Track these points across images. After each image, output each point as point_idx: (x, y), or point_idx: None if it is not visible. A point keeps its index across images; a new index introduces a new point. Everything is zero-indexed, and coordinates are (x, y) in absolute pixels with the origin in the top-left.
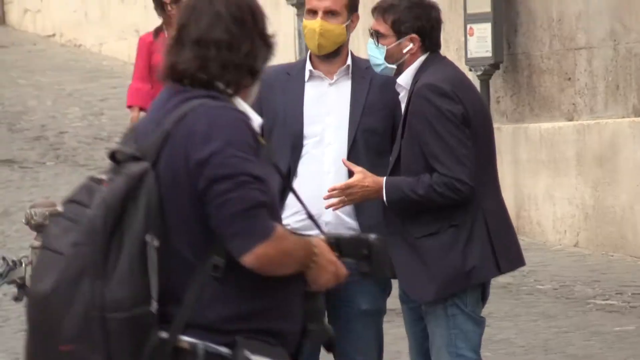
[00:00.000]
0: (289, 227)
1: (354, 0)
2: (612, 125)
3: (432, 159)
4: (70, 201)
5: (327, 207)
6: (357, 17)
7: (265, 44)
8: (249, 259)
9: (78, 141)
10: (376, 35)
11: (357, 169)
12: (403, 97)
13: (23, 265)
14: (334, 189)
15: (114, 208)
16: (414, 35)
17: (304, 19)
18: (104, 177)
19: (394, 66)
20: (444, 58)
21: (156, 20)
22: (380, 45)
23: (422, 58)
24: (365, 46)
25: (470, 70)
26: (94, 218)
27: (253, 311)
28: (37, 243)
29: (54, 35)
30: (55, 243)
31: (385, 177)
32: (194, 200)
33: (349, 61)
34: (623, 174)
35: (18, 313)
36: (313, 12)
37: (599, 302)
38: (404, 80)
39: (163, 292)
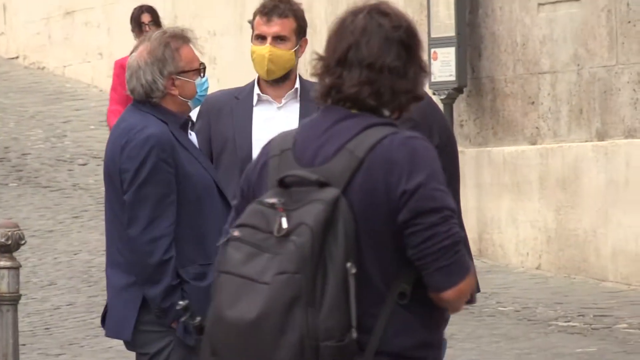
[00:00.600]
0: None
1: (302, 25)
2: (575, 149)
3: None
4: (244, 225)
5: None
6: (306, 42)
7: (423, 69)
8: (448, 294)
9: (41, 163)
10: None
11: None
12: None
13: None
14: None
15: (319, 235)
16: None
17: (252, 45)
18: (274, 201)
19: None
20: None
21: (119, 43)
22: None
23: None
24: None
25: (434, 94)
26: (301, 246)
27: (432, 341)
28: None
29: (17, 57)
30: (243, 269)
31: None
32: (391, 229)
33: (297, 84)
34: (585, 198)
35: None
36: (262, 38)
37: (561, 324)
38: None
39: (358, 320)
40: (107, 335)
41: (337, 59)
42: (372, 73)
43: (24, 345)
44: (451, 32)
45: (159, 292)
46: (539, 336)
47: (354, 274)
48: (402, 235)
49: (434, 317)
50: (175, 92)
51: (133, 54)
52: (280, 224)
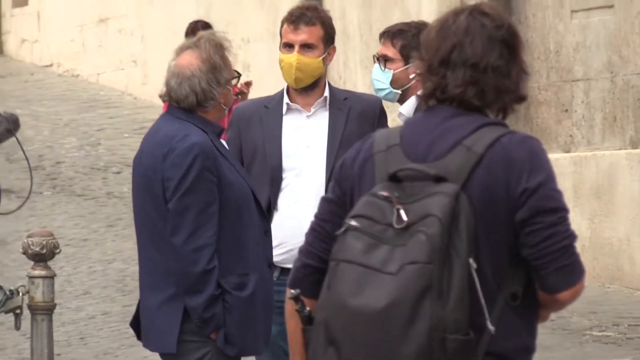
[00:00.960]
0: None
1: (330, 32)
2: (609, 157)
3: None
4: (360, 216)
5: None
6: (334, 49)
7: (524, 70)
8: (565, 295)
9: (75, 171)
10: (383, 59)
11: None
12: None
13: (20, 294)
14: None
15: (447, 226)
16: None
17: (280, 53)
18: (388, 194)
19: (399, 91)
20: None
21: (153, 50)
22: (386, 69)
23: None
24: (361, 79)
25: None
26: (432, 236)
27: (532, 346)
28: (34, 272)
29: (51, 65)
30: (365, 259)
31: None
32: (508, 227)
33: (327, 93)
34: (620, 206)
35: (15, 342)
36: (289, 46)
37: (595, 334)
38: (406, 109)
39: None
40: (150, 349)
41: (441, 59)
42: (477, 73)
43: (58, 355)
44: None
45: (201, 302)
46: (573, 346)
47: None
48: (518, 234)
49: (535, 322)
50: (222, 100)
51: (176, 61)
52: (399, 216)
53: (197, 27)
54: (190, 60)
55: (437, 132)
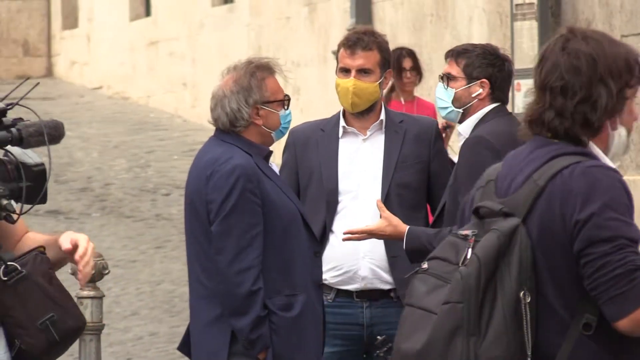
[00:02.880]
0: (326, 282)
1: (386, 57)
2: None
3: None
4: (435, 258)
5: (344, 239)
6: (390, 74)
7: (613, 95)
8: (623, 324)
9: (124, 193)
10: (447, 78)
11: (384, 214)
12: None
13: None
14: (351, 232)
15: (488, 265)
16: (484, 80)
17: (336, 77)
18: (468, 232)
19: (460, 110)
20: (509, 113)
21: (203, 73)
22: (449, 88)
23: (486, 109)
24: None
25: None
26: (467, 276)
27: None
28: (83, 293)
29: (101, 87)
30: (425, 301)
31: (408, 227)
32: (569, 259)
33: (382, 116)
34: None
35: None
36: (346, 71)
37: None
38: (464, 129)
39: (535, 348)
40: None
41: (538, 87)
42: (566, 100)
43: None
44: (535, 64)
45: (247, 323)
46: None
47: (530, 303)
48: (579, 265)
49: (625, 345)
50: (260, 122)
51: (218, 83)
52: (466, 256)
53: (402, 55)
54: (226, 82)
55: (521, 165)
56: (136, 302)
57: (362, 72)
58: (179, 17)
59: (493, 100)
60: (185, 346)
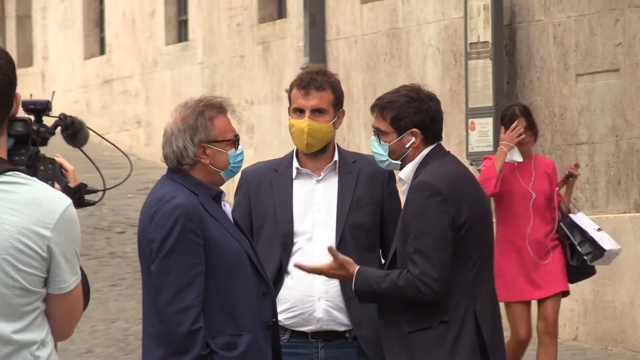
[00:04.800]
0: (280, 323)
1: (339, 96)
2: (613, 221)
3: (410, 254)
4: None
5: (295, 265)
6: (343, 113)
7: None
8: None
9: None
10: (377, 132)
11: (337, 261)
12: (405, 190)
13: None
14: (300, 266)
15: None
16: (414, 129)
17: (290, 118)
18: None
19: (398, 162)
20: (447, 153)
21: (157, 111)
22: (382, 142)
23: (424, 152)
24: (365, 142)
25: (472, 164)
26: None
27: None
28: None
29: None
30: None
31: (358, 268)
32: None
33: (336, 157)
34: (623, 270)
35: None
36: (300, 111)
37: None
38: (405, 174)
39: None
40: None
41: None
42: None
43: None
44: (489, 102)
45: None
46: None
47: None
48: None
49: None
50: (206, 161)
51: (169, 121)
52: None
53: (514, 114)
54: (175, 119)
55: None
56: (90, 339)
57: (317, 112)
58: (133, 55)
59: (427, 143)
60: None
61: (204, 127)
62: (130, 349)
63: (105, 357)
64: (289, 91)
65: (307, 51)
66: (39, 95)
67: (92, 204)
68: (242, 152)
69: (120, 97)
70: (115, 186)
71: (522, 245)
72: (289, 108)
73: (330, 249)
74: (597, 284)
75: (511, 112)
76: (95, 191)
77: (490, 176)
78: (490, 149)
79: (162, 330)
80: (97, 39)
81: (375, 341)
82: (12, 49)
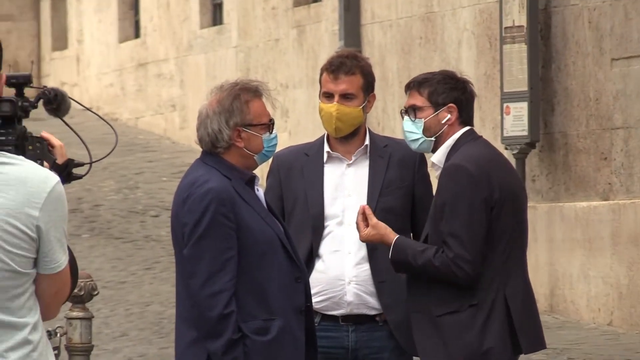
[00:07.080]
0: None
1: (370, 80)
2: None
3: (444, 236)
4: None
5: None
6: (374, 97)
7: None
8: None
9: (113, 214)
10: (412, 110)
11: (372, 222)
12: (437, 176)
13: (58, 335)
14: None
15: None
16: (451, 104)
17: (319, 102)
18: None
19: (433, 139)
20: (479, 137)
21: (191, 94)
22: (417, 119)
23: (457, 134)
24: (400, 125)
25: (506, 149)
26: None
27: None
28: (72, 314)
29: (90, 108)
30: None
31: (397, 237)
32: None
33: (367, 141)
34: None
35: None
36: (329, 95)
37: None
38: (438, 158)
39: None
40: None
41: None
42: None
43: None
44: (524, 87)
45: (220, 346)
46: None
47: None
48: None
49: None
50: (241, 144)
51: (204, 103)
52: None
53: None
54: (211, 102)
55: None
56: (125, 323)
57: (345, 96)
58: (168, 38)
59: (462, 124)
60: None
61: (239, 110)
62: (165, 332)
63: (140, 340)
64: (319, 75)
65: (342, 35)
66: (74, 80)
67: (80, 177)
68: (276, 136)
69: (155, 81)
70: (102, 159)
71: None
72: (320, 92)
73: (365, 208)
74: (631, 268)
75: None
76: (82, 164)
77: None
78: (525, 133)
79: (194, 313)
80: (131, 22)
81: (405, 325)
82: (47, 32)
